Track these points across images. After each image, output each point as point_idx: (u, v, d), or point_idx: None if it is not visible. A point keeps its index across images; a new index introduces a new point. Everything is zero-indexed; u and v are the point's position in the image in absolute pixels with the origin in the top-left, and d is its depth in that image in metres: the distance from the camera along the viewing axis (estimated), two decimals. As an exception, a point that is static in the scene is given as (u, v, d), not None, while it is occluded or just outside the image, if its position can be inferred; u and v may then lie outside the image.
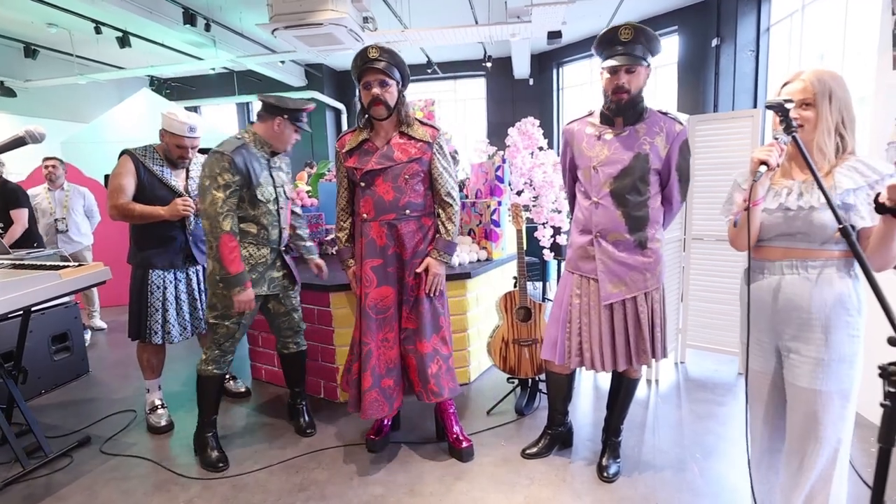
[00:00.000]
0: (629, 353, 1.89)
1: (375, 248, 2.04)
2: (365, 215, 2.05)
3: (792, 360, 1.34)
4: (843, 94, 1.26)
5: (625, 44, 1.72)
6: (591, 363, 1.89)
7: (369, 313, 2.04)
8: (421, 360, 2.08)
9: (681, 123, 1.85)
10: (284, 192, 2.27)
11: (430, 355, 2.08)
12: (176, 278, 2.54)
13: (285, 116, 2.14)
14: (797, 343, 1.33)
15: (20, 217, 3.66)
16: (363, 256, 2.05)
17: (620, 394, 2.06)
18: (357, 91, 2.04)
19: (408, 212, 2.04)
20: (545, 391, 2.78)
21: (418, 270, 2.07)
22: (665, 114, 1.87)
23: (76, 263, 2.40)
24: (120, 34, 6.57)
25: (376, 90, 1.93)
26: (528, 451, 2.20)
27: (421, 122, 2.07)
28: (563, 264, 2.06)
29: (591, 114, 1.96)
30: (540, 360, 2.57)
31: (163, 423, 2.53)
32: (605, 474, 2.02)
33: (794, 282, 1.32)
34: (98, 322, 4.44)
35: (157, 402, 2.60)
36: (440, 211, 2.11)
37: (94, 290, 4.38)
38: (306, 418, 2.48)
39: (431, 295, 2.09)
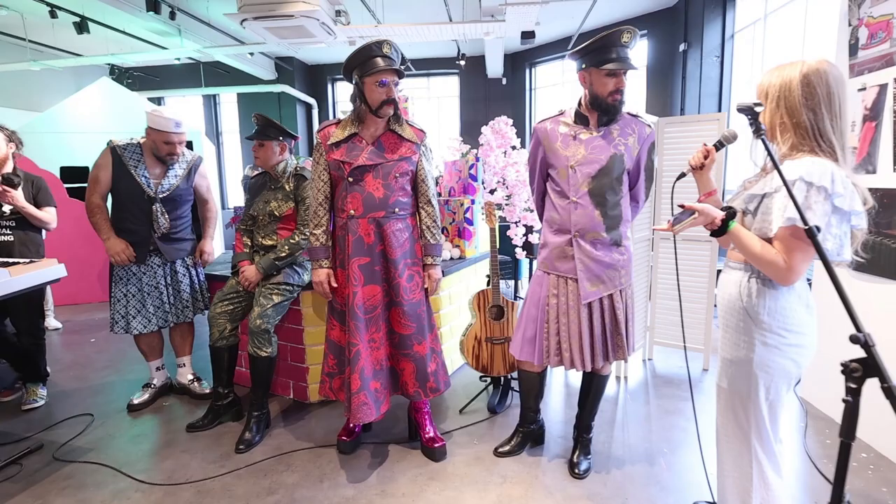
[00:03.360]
0: (606, 350, 1.92)
1: (363, 246, 2.00)
2: (352, 211, 1.99)
3: None
4: (783, 94, 1.20)
5: (624, 47, 1.73)
6: (570, 363, 1.90)
7: (357, 313, 1.99)
8: (421, 361, 2.08)
9: (649, 126, 1.90)
10: None
11: (428, 355, 2.10)
12: (140, 270, 2.57)
13: None
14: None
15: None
16: (350, 254, 2.00)
17: (591, 391, 2.09)
18: (355, 83, 1.95)
19: (397, 210, 2.02)
20: (517, 389, 2.80)
21: (426, 287, 2.13)
22: (634, 116, 1.91)
23: (26, 260, 2.27)
24: (77, 19, 6.25)
25: (392, 91, 1.91)
26: (500, 450, 2.20)
27: (408, 123, 2.07)
28: (535, 263, 2.08)
29: (562, 113, 1.95)
30: (512, 358, 2.58)
31: (146, 397, 2.74)
32: (577, 471, 2.04)
33: (720, 280, 1.41)
34: (53, 322, 4.22)
35: (155, 383, 2.81)
36: (424, 215, 2.12)
37: (48, 287, 4.16)
38: (249, 431, 2.33)
39: (431, 294, 2.16)
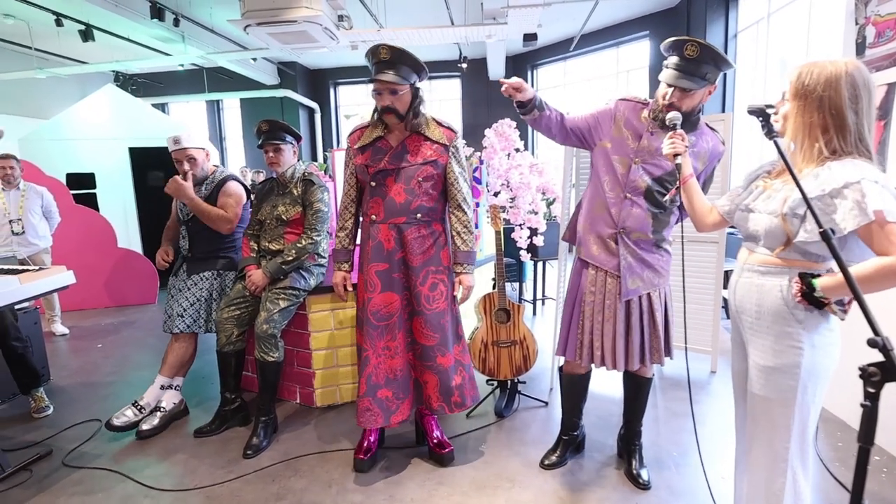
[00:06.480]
0: (643, 352, 1.86)
1: (382, 252, 1.97)
2: (374, 217, 1.97)
3: (748, 361, 1.35)
4: (828, 94, 1.13)
5: (688, 60, 1.57)
6: (601, 360, 1.86)
7: (370, 320, 1.97)
8: (444, 374, 2.03)
9: (723, 143, 1.83)
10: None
11: (453, 368, 2.05)
12: (174, 280, 2.70)
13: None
14: (749, 346, 1.34)
15: None
16: (369, 260, 1.98)
17: (638, 396, 2.03)
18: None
19: (419, 216, 1.97)
20: (525, 393, 2.78)
21: (456, 294, 2.06)
22: (713, 130, 1.82)
23: (36, 267, 2.28)
24: (82, 27, 6.31)
25: (386, 101, 1.86)
26: (546, 462, 2.13)
27: (437, 123, 2.01)
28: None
29: (646, 104, 1.81)
30: (519, 361, 2.57)
31: (117, 422, 2.40)
32: (641, 482, 1.98)
33: (743, 285, 1.31)
34: (59, 328, 4.24)
35: (163, 406, 2.56)
36: (454, 220, 2.04)
37: (55, 294, 4.18)
38: (256, 437, 2.32)
39: (461, 302, 2.09)
